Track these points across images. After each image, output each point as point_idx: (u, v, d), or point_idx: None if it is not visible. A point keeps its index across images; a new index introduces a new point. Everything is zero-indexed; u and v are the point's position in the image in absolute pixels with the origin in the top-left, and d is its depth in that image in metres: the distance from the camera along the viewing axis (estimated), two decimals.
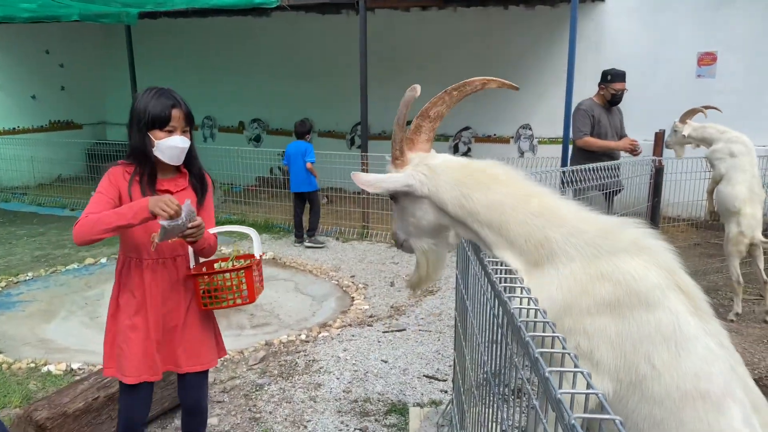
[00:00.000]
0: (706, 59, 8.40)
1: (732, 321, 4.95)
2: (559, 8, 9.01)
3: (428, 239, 1.93)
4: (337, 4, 9.65)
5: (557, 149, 8.00)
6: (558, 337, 1.03)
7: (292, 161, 7.51)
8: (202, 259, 2.71)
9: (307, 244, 7.61)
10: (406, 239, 1.98)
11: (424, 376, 4.07)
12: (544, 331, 1.13)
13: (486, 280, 1.82)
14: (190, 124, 2.54)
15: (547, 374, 0.87)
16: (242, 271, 2.60)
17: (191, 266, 2.63)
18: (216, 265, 2.73)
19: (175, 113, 2.47)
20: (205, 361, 2.70)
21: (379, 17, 9.85)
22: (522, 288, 1.44)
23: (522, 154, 9.72)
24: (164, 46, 11.89)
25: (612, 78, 5.43)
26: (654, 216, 5.08)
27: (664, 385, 1.51)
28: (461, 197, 1.77)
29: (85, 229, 2.32)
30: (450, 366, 4.21)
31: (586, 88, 8.46)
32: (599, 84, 5.55)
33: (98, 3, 6.04)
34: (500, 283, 1.52)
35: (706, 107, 5.43)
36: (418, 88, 1.93)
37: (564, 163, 6.63)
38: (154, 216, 2.31)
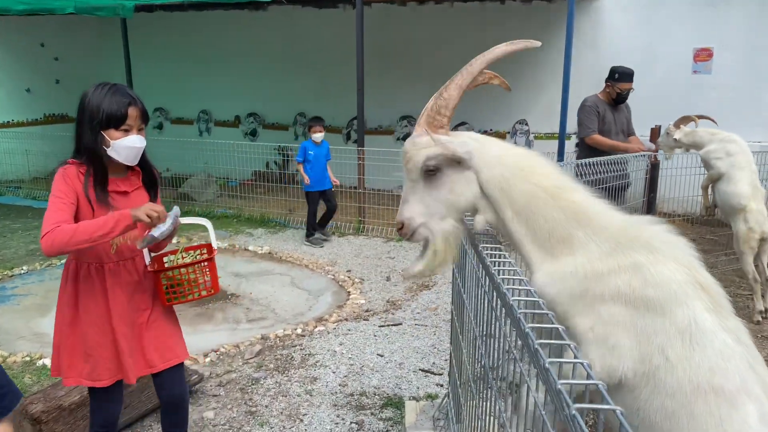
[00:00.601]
0: (702, 55, 8.41)
1: (758, 322, 4.94)
2: (555, 3, 9.00)
3: (454, 221, 1.84)
4: None
5: (554, 144, 8.00)
6: (559, 328, 1.03)
7: (315, 158, 7.24)
8: (153, 254, 2.65)
9: (388, 322, 5.53)
10: (424, 222, 1.84)
11: (419, 369, 4.08)
12: (542, 321, 1.14)
13: (483, 273, 1.82)
14: (145, 122, 2.45)
15: (547, 365, 0.87)
16: (205, 262, 2.60)
17: (147, 263, 2.59)
18: (166, 259, 2.68)
19: (132, 111, 2.37)
20: (179, 353, 2.67)
21: (376, 11, 9.81)
22: (521, 280, 1.44)
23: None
24: (160, 40, 11.83)
25: (619, 77, 5.42)
26: (650, 211, 5.09)
27: (677, 378, 1.53)
28: (502, 179, 1.76)
29: (60, 239, 2.18)
30: (446, 360, 4.21)
31: (583, 84, 8.48)
32: (606, 81, 5.54)
33: None
34: (499, 275, 1.53)
35: (700, 117, 5.45)
36: (529, 43, 1.90)
37: (560, 159, 6.64)
38: (135, 225, 2.28)
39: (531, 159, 1.82)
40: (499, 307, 1.52)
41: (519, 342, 1.22)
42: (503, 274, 1.55)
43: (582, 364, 0.89)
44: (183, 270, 2.58)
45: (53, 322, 5.21)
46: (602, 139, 5.36)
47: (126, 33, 9.50)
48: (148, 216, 2.27)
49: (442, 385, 3.82)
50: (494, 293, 1.60)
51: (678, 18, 8.38)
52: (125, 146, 2.37)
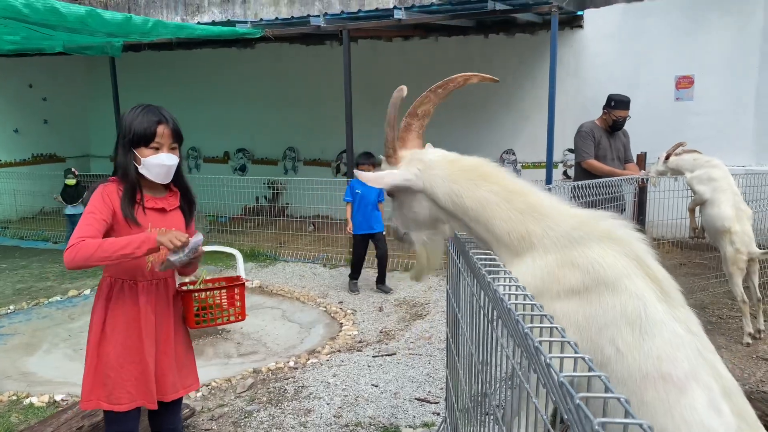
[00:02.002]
0: (684, 82, 8.57)
1: (748, 344, 4.93)
2: (538, 35, 9.18)
3: (426, 231, 2.04)
4: (321, 35, 9.78)
5: (541, 173, 8.07)
6: (557, 328, 1.02)
7: (362, 198, 6.59)
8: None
9: (383, 353, 5.15)
10: (406, 233, 2.09)
11: (415, 399, 4.02)
12: (533, 319, 1.17)
13: (475, 282, 1.82)
14: (178, 141, 2.49)
15: (548, 361, 0.86)
16: (236, 288, 2.65)
17: (176, 285, 2.62)
18: (184, 288, 2.72)
19: (161, 130, 2.41)
20: (192, 382, 2.66)
21: (362, 47, 9.97)
22: (518, 287, 1.44)
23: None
24: (148, 79, 11.92)
25: (615, 104, 5.53)
26: None
27: (627, 367, 1.56)
28: (452, 193, 1.91)
29: (83, 254, 2.21)
30: (441, 388, 4.17)
31: (567, 112, 8.61)
32: (603, 108, 5.66)
33: (83, 33, 6.07)
34: (491, 281, 1.53)
35: (678, 145, 5.53)
36: (405, 88, 2.09)
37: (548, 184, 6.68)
38: (159, 249, 2.31)
39: (480, 169, 1.95)
40: (494, 315, 1.52)
41: (515, 346, 1.22)
42: (494, 277, 1.57)
43: (584, 358, 0.88)
44: (215, 293, 2.65)
45: (40, 362, 5.13)
46: (598, 165, 5.43)
47: (114, 72, 9.57)
48: (172, 242, 2.29)
49: (438, 414, 3.77)
50: (484, 297, 1.63)
51: (659, 46, 8.56)
52: (155, 164, 2.41)
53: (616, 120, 5.59)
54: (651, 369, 1.55)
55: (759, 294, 5.12)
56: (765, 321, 5.16)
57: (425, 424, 3.63)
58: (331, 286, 6.99)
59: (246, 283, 7.17)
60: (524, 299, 1.33)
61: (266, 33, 8.05)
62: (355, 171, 5.67)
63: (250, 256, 8.38)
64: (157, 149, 2.42)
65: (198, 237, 2.40)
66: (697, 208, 5.36)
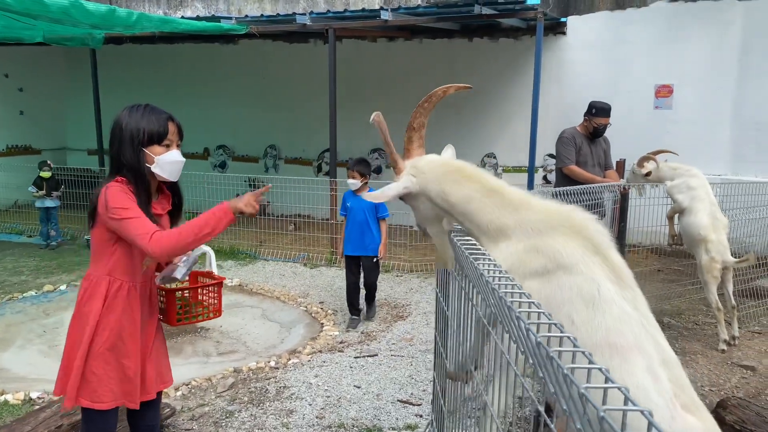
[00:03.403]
0: (663, 91, 8.70)
1: (723, 351, 5.01)
2: (521, 41, 9.25)
3: (435, 227, 2.33)
4: (305, 34, 9.74)
5: (521, 177, 8.13)
6: (556, 324, 1.04)
7: (357, 213, 5.61)
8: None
9: (364, 353, 4.96)
10: (425, 229, 2.37)
11: (398, 400, 4.02)
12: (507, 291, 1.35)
13: (467, 282, 1.86)
14: (182, 138, 2.49)
15: (566, 371, 0.87)
16: (214, 286, 2.67)
17: (157, 282, 2.61)
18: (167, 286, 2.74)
19: (171, 126, 2.42)
20: (169, 379, 2.66)
21: (347, 46, 9.95)
22: (495, 264, 1.61)
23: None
24: (128, 72, 11.75)
25: (596, 112, 5.60)
26: (621, 241, 5.19)
27: (580, 338, 1.75)
28: (441, 192, 2.19)
29: (168, 242, 2.22)
30: (423, 390, 4.18)
31: (548, 118, 8.69)
32: (584, 115, 5.72)
33: (66, 24, 5.96)
34: (473, 261, 1.68)
35: (658, 152, 5.62)
36: (379, 114, 2.43)
37: (530, 189, 6.73)
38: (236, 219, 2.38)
39: (463, 170, 2.22)
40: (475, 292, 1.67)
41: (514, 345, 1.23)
42: (476, 258, 1.73)
43: (601, 369, 0.89)
44: (197, 291, 2.72)
45: (14, 358, 5.02)
46: (579, 171, 5.49)
47: (95, 64, 9.43)
48: (250, 206, 2.39)
49: (421, 416, 3.78)
50: (470, 285, 1.79)
51: (639, 55, 8.68)
52: (169, 161, 2.40)
53: (597, 127, 5.67)
54: (600, 339, 1.77)
55: (734, 301, 5.22)
56: (739, 328, 5.26)
57: (408, 427, 3.63)
58: (312, 285, 6.96)
59: (227, 282, 7.08)
60: (499, 273, 1.53)
61: (251, 29, 7.99)
62: (348, 181, 5.58)
63: (229, 254, 8.32)
64: (168, 146, 2.41)
65: (207, 249, 2.43)
66: (676, 216, 5.46)
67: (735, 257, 5.15)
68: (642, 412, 0.81)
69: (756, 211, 6.27)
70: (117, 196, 2.31)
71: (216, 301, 2.74)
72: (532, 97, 6.94)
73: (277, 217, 9.32)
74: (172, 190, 2.56)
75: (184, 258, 2.45)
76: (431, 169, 2.26)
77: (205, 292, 2.70)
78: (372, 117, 2.42)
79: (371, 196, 2.35)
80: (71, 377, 2.38)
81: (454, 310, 2.31)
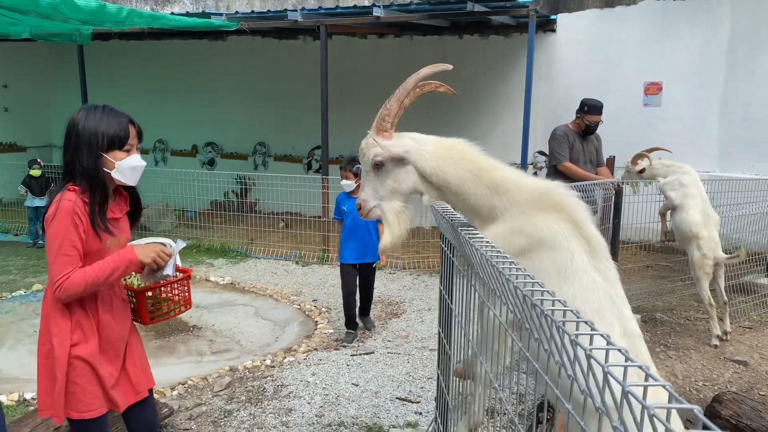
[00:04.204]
0: (652, 89, 8.76)
1: (716, 346, 5.06)
2: (512, 38, 9.27)
3: (400, 201, 2.24)
4: (295, 30, 9.69)
5: None
6: (572, 310, 1.06)
7: (353, 216, 5.08)
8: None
9: (361, 351, 4.97)
10: (378, 204, 2.26)
11: (396, 398, 4.01)
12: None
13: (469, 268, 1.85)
14: (141, 141, 2.40)
15: (608, 369, 0.87)
16: (184, 280, 2.68)
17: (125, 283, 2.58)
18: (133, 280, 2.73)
19: (132, 130, 2.32)
20: (151, 377, 2.60)
21: (337, 43, 9.91)
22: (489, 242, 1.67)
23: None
24: (115, 69, 11.63)
25: (588, 109, 5.62)
26: (614, 237, 5.22)
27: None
28: (437, 168, 2.15)
29: (73, 291, 2.17)
30: (422, 387, 4.17)
31: (538, 116, 8.73)
32: (576, 112, 5.73)
33: (55, 20, 5.88)
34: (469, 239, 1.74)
35: (652, 150, 5.66)
36: (443, 66, 2.26)
37: None
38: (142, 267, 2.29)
39: (460, 148, 2.20)
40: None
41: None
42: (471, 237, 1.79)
43: (548, 291, 0.94)
44: (166, 288, 2.63)
45: (5, 358, 4.94)
46: (574, 168, 5.50)
47: (83, 60, 9.32)
48: (157, 262, 2.30)
49: (420, 413, 3.77)
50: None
51: (629, 53, 8.73)
52: (130, 166, 2.30)
53: (589, 124, 5.69)
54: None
55: (725, 297, 5.28)
56: (730, 323, 5.32)
57: (409, 424, 3.62)
58: (305, 283, 6.93)
59: (219, 280, 7.03)
60: (493, 250, 1.60)
61: (242, 26, 7.93)
62: (342, 182, 5.17)
63: (220, 252, 8.26)
64: (129, 151, 2.31)
65: (181, 243, 2.37)
66: (668, 213, 5.50)
67: (726, 254, 5.20)
68: (640, 367, 0.86)
69: (744, 207, 6.34)
70: (58, 225, 2.21)
71: (186, 294, 2.71)
72: (524, 94, 6.95)
73: (267, 214, 9.29)
74: (129, 190, 2.48)
75: (172, 254, 2.38)
76: (429, 143, 2.22)
77: (171, 286, 2.67)
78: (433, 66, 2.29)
79: (369, 144, 2.21)
80: (54, 395, 2.30)
81: (459, 305, 2.31)
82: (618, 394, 0.86)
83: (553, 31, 9.07)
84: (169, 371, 4.71)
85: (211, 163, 11.52)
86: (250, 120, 11.03)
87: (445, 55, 9.61)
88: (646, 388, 0.83)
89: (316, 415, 3.77)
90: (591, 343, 0.99)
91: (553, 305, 1.14)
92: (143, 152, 11.49)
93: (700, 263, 5.08)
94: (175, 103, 11.43)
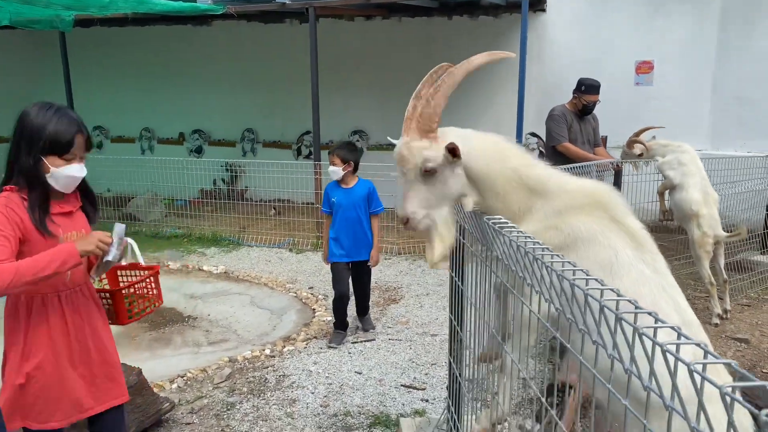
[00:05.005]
0: (644, 68, 8.71)
1: (716, 325, 5.05)
2: (501, 18, 9.17)
3: (448, 208, 2.13)
4: (281, 13, 9.51)
5: None
6: (557, 255, 0.98)
7: (347, 209, 4.73)
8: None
9: (361, 338, 4.88)
10: (427, 213, 2.11)
11: (401, 385, 3.96)
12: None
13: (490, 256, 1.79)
14: (88, 150, 2.26)
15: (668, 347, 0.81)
16: (153, 276, 2.67)
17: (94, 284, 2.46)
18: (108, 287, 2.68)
19: (79, 140, 2.17)
20: (124, 391, 2.43)
21: (323, 26, 9.75)
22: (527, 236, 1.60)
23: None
24: (98, 56, 11.37)
25: (586, 89, 5.57)
26: None
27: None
28: (486, 168, 2.05)
29: (12, 281, 1.93)
30: (426, 374, 4.12)
31: (529, 97, 8.62)
32: (573, 92, 5.68)
33: (37, 5, 5.69)
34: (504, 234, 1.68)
35: (645, 129, 5.62)
36: (500, 54, 2.19)
37: None
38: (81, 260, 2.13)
39: (503, 146, 2.12)
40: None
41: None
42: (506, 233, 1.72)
43: (674, 327, 0.87)
44: (139, 285, 2.62)
45: None
46: (573, 149, 5.45)
47: (65, 48, 9.09)
48: (99, 248, 2.12)
49: (427, 401, 3.72)
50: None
51: (620, 32, 8.66)
52: (65, 175, 2.17)
53: (586, 104, 5.64)
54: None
55: (725, 275, 5.27)
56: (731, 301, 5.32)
57: (417, 412, 3.57)
58: (300, 271, 6.85)
59: (212, 270, 6.93)
60: (528, 239, 1.53)
61: (228, 10, 7.76)
62: (330, 169, 4.72)
63: (211, 241, 8.15)
64: (70, 160, 2.17)
65: (119, 226, 2.25)
66: (666, 192, 5.47)
67: (726, 232, 5.18)
68: (673, 328, 0.88)
69: (737, 185, 6.33)
70: None
71: (156, 291, 2.67)
72: (518, 75, 6.87)
73: (257, 202, 9.16)
74: (80, 186, 2.35)
75: (113, 240, 2.25)
76: (474, 141, 2.09)
77: (146, 283, 2.62)
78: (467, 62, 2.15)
79: (415, 148, 2.05)
80: (5, 401, 2.20)
81: (474, 290, 2.24)
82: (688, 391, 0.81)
83: (543, 10, 8.98)
84: (166, 363, 4.62)
85: (198, 151, 11.35)
86: (237, 106, 10.86)
87: (434, 37, 9.49)
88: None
89: (321, 405, 3.71)
90: (655, 336, 0.92)
91: (602, 296, 1.07)
92: (130, 141, 11.32)
93: (700, 242, 5.06)
94: (161, 91, 11.22)
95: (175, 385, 4.09)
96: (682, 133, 7.70)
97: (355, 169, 4.80)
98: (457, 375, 2.55)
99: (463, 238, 2.45)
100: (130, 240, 2.43)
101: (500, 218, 1.92)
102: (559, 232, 1.95)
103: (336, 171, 4.70)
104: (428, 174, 2.06)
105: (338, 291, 4.77)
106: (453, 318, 2.64)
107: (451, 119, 2.21)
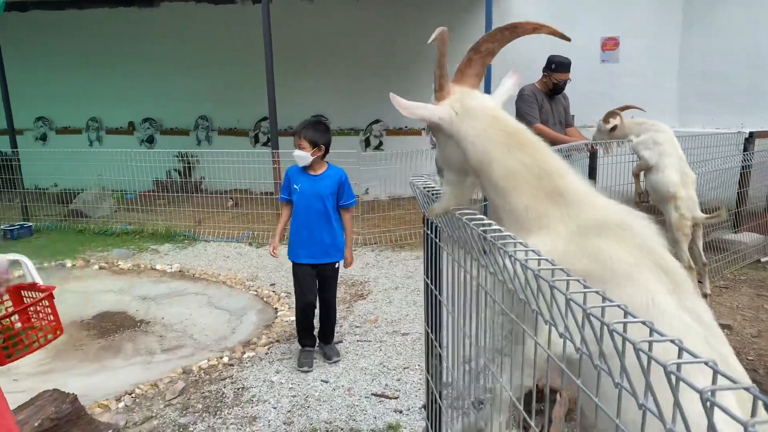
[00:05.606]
0: (609, 44, 8.50)
1: None
2: None
3: (455, 175, 1.88)
4: None
5: None
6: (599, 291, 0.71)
7: (313, 199, 4.00)
8: None
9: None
10: (442, 170, 1.94)
11: (372, 394, 3.63)
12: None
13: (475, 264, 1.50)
14: None
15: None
16: (45, 300, 2.16)
17: None
18: None
19: None
20: None
21: (278, 6, 9.27)
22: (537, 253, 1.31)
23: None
24: (35, 43, 10.67)
25: (556, 67, 5.31)
26: None
27: (633, 357, 1.46)
28: (483, 151, 1.75)
29: None
30: (398, 380, 3.81)
31: (495, 76, 8.36)
32: (543, 70, 5.42)
33: None
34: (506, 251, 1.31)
35: (625, 108, 5.39)
36: (445, 30, 1.83)
37: None
38: None
39: (520, 136, 1.77)
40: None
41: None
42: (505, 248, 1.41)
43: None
44: (25, 312, 2.17)
45: None
46: (546, 130, 5.19)
47: None
48: None
49: (401, 411, 3.41)
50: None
51: (585, 8, 8.43)
52: None
53: (557, 83, 5.39)
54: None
55: (704, 258, 5.09)
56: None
57: (390, 427, 3.25)
58: (260, 267, 6.46)
59: (166, 268, 6.47)
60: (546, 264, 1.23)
61: None
62: (294, 153, 3.86)
63: (165, 237, 7.69)
64: None
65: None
66: (642, 173, 5.25)
67: (704, 213, 4.99)
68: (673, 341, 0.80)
69: (709, 163, 6.17)
70: None
71: (52, 317, 2.22)
72: None
73: (213, 193, 8.71)
74: None
75: None
76: (482, 117, 1.77)
77: (33, 310, 2.18)
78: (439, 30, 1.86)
79: (401, 104, 1.78)
80: None
81: (454, 299, 1.94)
82: None
83: None
84: (114, 377, 4.22)
85: (150, 141, 10.79)
86: (190, 93, 10.33)
87: (396, 15, 9.11)
88: None
89: (284, 423, 3.36)
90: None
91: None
92: (76, 132, 10.70)
93: (678, 224, 4.86)
94: (108, 78, 10.60)
95: (122, 404, 3.69)
96: (649, 110, 7.48)
97: (326, 152, 4.02)
98: (437, 396, 2.23)
99: (439, 240, 2.14)
100: (23, 258, 2.04)
101: (497, 228, 1.59)
102: (587, 259, 1.62)
103: (303, 156, 3.90)
104: (432, 132, 1.91)
105: (302, 301, 4.07)
106: (429, 330, 2.32)
107: (414, 99, 1.92)
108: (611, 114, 5.32)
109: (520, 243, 1.31)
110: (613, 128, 5.22)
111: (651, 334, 0.89)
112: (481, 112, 1.77)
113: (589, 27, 8.41)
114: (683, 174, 4.94)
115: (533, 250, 1.27)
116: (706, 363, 0.79)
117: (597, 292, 0.90)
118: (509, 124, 1.79)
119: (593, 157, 4.99)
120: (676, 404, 0.79)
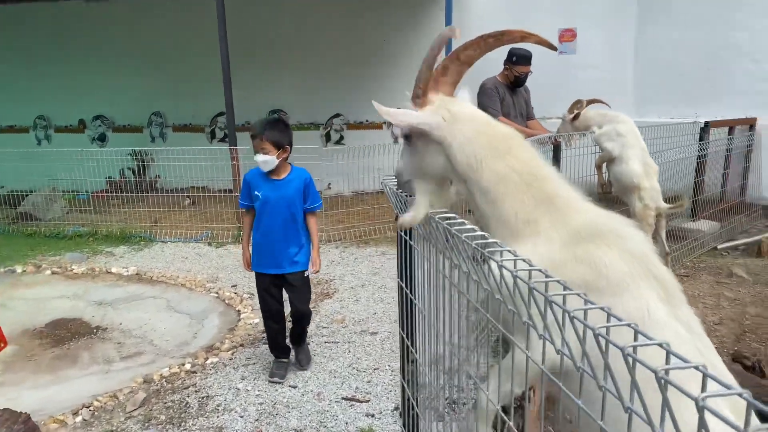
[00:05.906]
0: (567, 36, 8.55)
1: None
2: None
3: (434, 183, 1.85)
4: None
5: None
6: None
7: (278, 206, 3.71)
8: None
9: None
10: (410, 180, 1.89)
11: (342, 399, 3.54)
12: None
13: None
14: None
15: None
16: None
17: None
18: None
19: None
20: None
21: None
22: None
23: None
24: None
25: (517, 60, 5.28)
26: None
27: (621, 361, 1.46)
28: (472, 156, 1.72)
29: None
30: (368, 382, 3.73)
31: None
32: (504, 63, 5.38)
33: None
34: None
35: (591, 101, 5.41)
36: (458, 30, 1.84)
37: None
38: None
39: (509, 141, 1.76)
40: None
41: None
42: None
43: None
44: None
45: None
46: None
47: None
48: None
49: (373, 415, 3.33)
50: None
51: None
52: None
53: (518, 76, 5.38)
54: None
55: (667, 248, 5.15)
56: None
57: (362, 431, 3.17)
58: (221, 267, 6.29)
59: (122, 271, 6.25)
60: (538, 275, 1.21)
61: None
62: (257, 158, 3.51)
63: (120, 239, 7.43)
64: None
65: None
66: (604, 164, 5.28)
67: (667, 203, 5.05)
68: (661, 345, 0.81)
69: (666, 153, 6.25)
70: None
71: None
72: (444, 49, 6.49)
73: (169, 192, 8.46)
74: None
75: None
76: (470, 123, 1.75)
77: None
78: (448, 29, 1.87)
79: (384, 111, 1.74)
80: None
81: (427, 301, 1.86)
82: None
83: None
84: (70, 388, 4.03)
85: (101, 139, 10.43)
86: (142, 88, 10.01)
87: (355, 10, 8.98)
88: None
89: None
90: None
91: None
92: (23, 130, 10.30)
93: (642, 215, 4.90)
94: (55, 74, 10.19)
95: (79, 418, 3.52)
96: (606, 101, 7.60)
97: (289, 153, 3.72)
98: (414, 404, 2.16)
99: (415, 244, 2.07)
100: None
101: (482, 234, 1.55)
102: (580, 266, 1.60)
103: (269, 161, 3.58)
104: (408, 140, 1.84)
105: (267, 312, 3.83)
106: (404, 334, 2.24)
107: (377, 96, 1.86)
108: (577, 103, 5.33)
109: (508, 251, 1.29)
110: (576, 116, 5.23)
111: (636, 338, 0.89)
112: (469, 117, 1.76)
113: (546, 18, 8.44)
114: (646, 165, 4.99)
115: (523, 259, 1.23)
116: (696, 368, 0.79)
117: (603, 309, 0.85)
118: (499, 128, 1.78)
119: (557, 149, 4.98)
120: (666, 406, 0.79)
